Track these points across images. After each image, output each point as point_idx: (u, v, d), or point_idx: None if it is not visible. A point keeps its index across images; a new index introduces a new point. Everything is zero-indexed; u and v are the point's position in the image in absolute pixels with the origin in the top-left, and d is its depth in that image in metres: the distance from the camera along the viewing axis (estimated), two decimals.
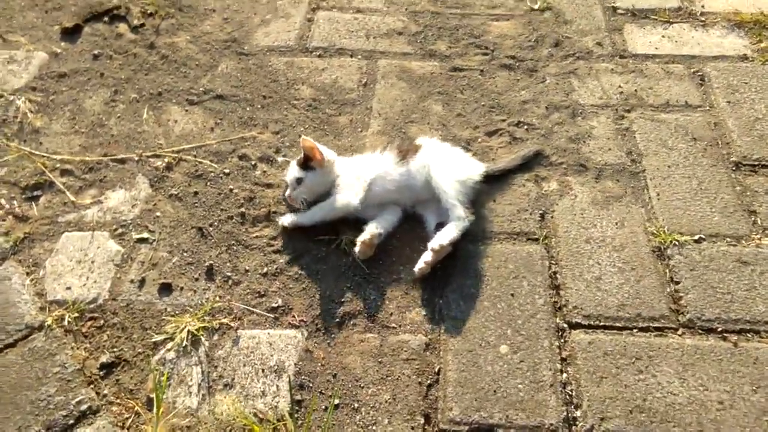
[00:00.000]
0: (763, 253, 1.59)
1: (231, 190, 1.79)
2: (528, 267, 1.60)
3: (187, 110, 2.02)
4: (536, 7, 2.38)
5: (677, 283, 1.54)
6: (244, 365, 1.44)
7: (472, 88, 2.09)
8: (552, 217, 1.72)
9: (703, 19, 2.30)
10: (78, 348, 1.48)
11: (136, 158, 1.89)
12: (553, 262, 1.61)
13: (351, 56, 2.22)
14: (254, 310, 1.54)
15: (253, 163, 1.86)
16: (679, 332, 1.46)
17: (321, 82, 2.12)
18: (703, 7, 2.34)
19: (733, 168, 1.81)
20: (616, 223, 1.69)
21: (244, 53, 2.22)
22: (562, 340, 1.45)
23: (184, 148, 1.91)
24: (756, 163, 1.81)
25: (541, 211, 1.73)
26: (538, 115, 1.99)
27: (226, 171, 1.84)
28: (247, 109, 2.02)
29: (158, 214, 1.74)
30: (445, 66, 2.16)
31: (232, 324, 1.51)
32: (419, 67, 2.17)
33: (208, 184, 1.81)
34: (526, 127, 1.96)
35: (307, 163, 1.66)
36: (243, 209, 1.74)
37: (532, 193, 1.78)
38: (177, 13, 2.37)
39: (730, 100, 2.00)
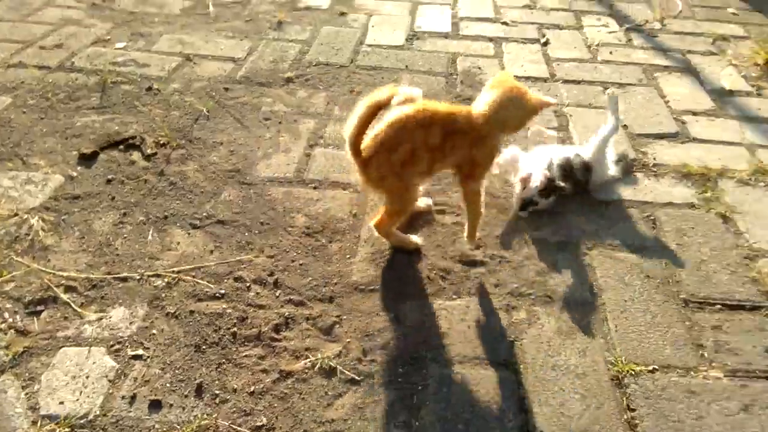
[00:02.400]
0: (709, 385, 1.74)
1: (225, 310, 1.94)
2: (498, 392, 1.72)
3: (189, 233, 2.21)
4: None
5: (633, 410, 1.67)
6: None
7: (455, 222, 2.31)
8: (521, 344, 1.87)
9: (655, 170, 2.60)
10: None
11: (138, 277, 2.04)
12: (520, 386, 1.74)
13: (343, 189, 2.45)
14: (239, 429, 1.63)
15: (247, 285, 2.02)
16: None
17: (315, 212, 2.33)
18: (654, 159, 2.66)
19: (683, 304, 2.00)
20: (579, 352, 1.84)
21: (246, 183, 2.45)
22: None
23: (184, 268, 2.07)
24: (702, 300, 2.01)
25: (511, 339, 1.88)
26: (510, 249, 2.20)
27: (222, 292, 2.00)
28: (246, 234, 2.22)
29: (154, 331, 1.87)
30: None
31: None
32: None
33: (204, 303, 1.96)
34: (499, 259, 2.16)
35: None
36: (235, 329, 1.88)
37: (503, 321, 1.94)
38: (187, 144, 2.63)
39: (679, 242, 2.24)
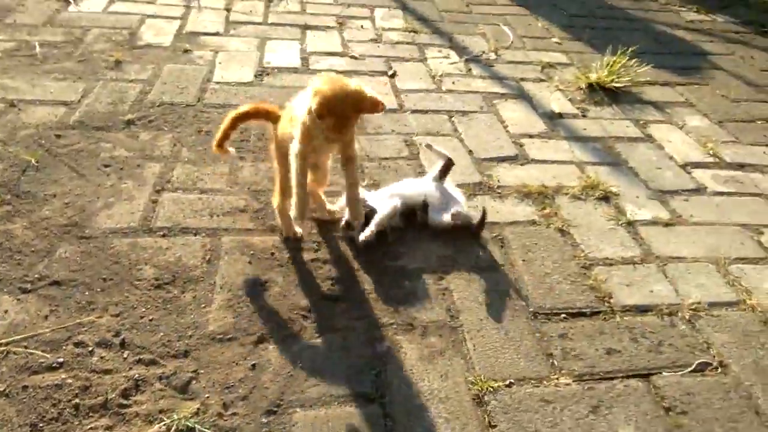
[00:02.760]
0: (560, 391, 1.86)
1: (65, 380, 1.75)
2: (367, 427, 1.71)
3: (19, 299, 1.99)
4: (364, 184, 2.72)
5: (494, 426, 1.74)
6: None
7: (315, 259, 2.29)
8: (386, 375, 1.88)
9: (499, 191, 2.77)
10: None
11: None
12: (388, 419, 1.74)
13: (195, 234, 2.35)
14: None
15: (90, 349, 1.85)
16: None
17: (165, 261, 2.20)
18: (498, 181, 2.83)
19: (532, 317, 2.13)
20: (441, 376, 1.89)
21: (85, 237, 2.26)
22: None
23: (13, 339, 1.86)
24: (549, 311, 2.16)
25: (375, 372, 1.89)
26: (369, 281, 2.22)
27: (60, 360, 1.81)
28: (86, 293, 2.04)
29: None
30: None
31: None
32: (261, 242, 2.34)
33: (40, 376, 1.76)
34: (359, 291, 2.17)
35: None
36: (77, 400, 1.70)
37: (367, 355, 1.94)
38: (14, 199, 2.38)
39: (524, 258, 2.39)
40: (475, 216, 2.46)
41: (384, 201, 2.40)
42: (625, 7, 5.48)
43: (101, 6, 4.23)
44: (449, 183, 2.56)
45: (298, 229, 2.38)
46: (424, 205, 2.47)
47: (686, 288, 2.32)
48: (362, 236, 2.30)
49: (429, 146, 2.65)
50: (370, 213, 2.32)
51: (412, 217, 2.48)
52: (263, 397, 1.77)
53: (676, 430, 1.79)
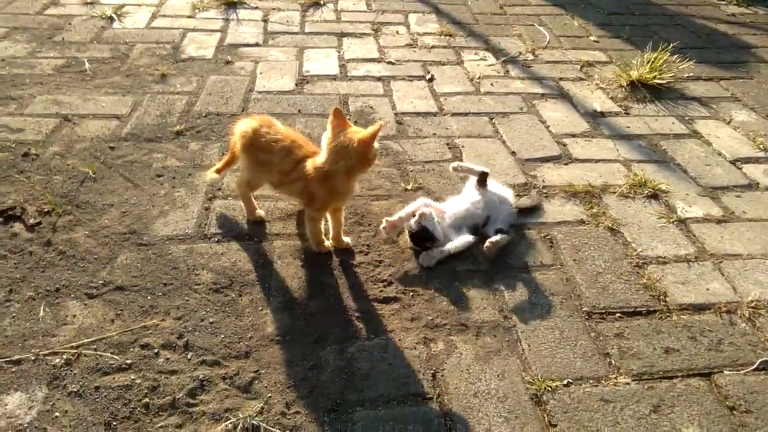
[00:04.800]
0: (620, 391, 1.85)
1: (134, 380, 1.82)
2: (426, 426, 1.73)
3: (86, 304, 2.06)
4: (409, 187, 2.75)
5: (554, 426, 1.74)
6: None
7: (365, 262, 2.32)
8: (442, 375, 1.89)
9: (545, 191, 2.76)
10: None
11: (33, 358, 1.87)
12: (447, 418, 1.76)
13: (248, 239, 2.40)
14: None
15: (155, 351, 1.91)
16: None
17: (221, 266, 2.26)
18: (543, 181, 2.82)
19: (586, 317, 2.12)
20: (498, 376, 1.89)
21: (144, 244, 2.33)
22: None
23: (84, 342, 1.93)
24: (603, 311, 2.14)
25: (432, 371, 1.90)
26: (421, 282, 2.24)
27: (129, 362, 1.87)
28: (148, 297, 2.10)
29: (57, 414, 1.72)
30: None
31: None
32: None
33: (110, 377, 1.83)
34: (412, 293, 2.19)
35: None
36: (147, 399, 1.76)
37: (423, 355, 1.96)
38: (74, 210, 2.48)
39: (575, 258, 2.38)
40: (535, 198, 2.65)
41: (456, 234, 2.40)
42: (662, 3, 5.41)
43: (144, 22, 4.36)
44: (492, 183, 2.56)
45: (260, 212, 2.50)
46: (486, 220, 2.46)
47: (744, 285, 2.28)
48: (426, 263, 2.32)
49: (458, 167, 2.61)
50: (429, 235, 2.31)
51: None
52: (324, 396, 1.81)
53: (741, 429, 1.77)
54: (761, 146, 3.23)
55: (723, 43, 4.66)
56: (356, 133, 2.04)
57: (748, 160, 3.11)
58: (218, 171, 2.52)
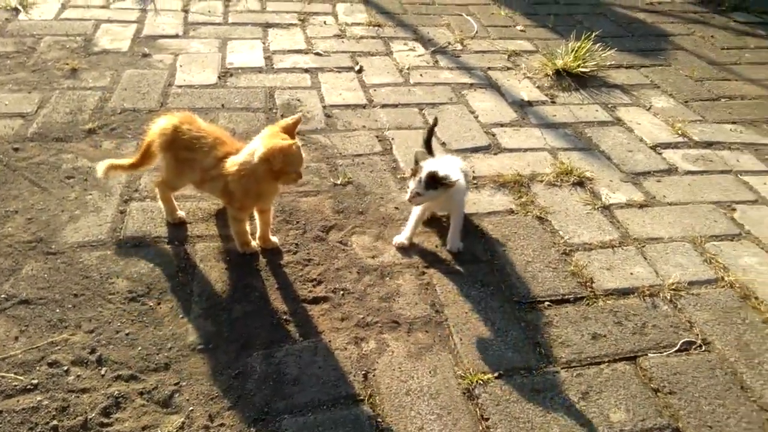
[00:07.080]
0: (550, 380, 1.85)
1: (41, 402, 1.68)
2: (356, 429, 1.68)
3: None
4: (339, 182, 2.67)
5: (487, 419, 1.72)
6: None
7: (293, 262, 2.24)
8: (374, 375, 1.84)
9: (475, 182, 2.75)
10: None
11: None
12: (379, 419, 1.71)
13: (167, 243, 2.27)
14: None
15: (65, 368, 1.77)
16: None
17: (138, 273, 2.13)
18: (474, 172, 2.81)
19: (517, 307, 2.11)
20: (430, 372, 1.86)
21: (52, 252, 2.17)
22: None
23: None
24: (532, 300, 2.15)
25: (363, 372, 1.85)
26: (351, 280, 2.18)
27: (35, 382, 1.73)
28: (57, 311, 1.95)
29: None
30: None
31: None
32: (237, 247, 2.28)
33: (14, 399, 1.68)
34: (342, 292, 2.13)
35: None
36: (55, 422, 1.63)
37: (354, 356, 1.90)
38: None
39: (505, 248, 2.37)
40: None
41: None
42: None
43: (53, 13, 4.09)
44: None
45: (181, 213, 2.39)
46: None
47: (666, 268, 2.33)
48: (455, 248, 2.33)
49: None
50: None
51: None
52: (250, 405, 1.72)
53: (665, 411, 1.80)
54: (679, 132, 3.34)
55: (642, 32, 4.80)
56: (273, 144, 1.91)
57: (667, 146, 3.21)
58: (116, 168, 2.26)
